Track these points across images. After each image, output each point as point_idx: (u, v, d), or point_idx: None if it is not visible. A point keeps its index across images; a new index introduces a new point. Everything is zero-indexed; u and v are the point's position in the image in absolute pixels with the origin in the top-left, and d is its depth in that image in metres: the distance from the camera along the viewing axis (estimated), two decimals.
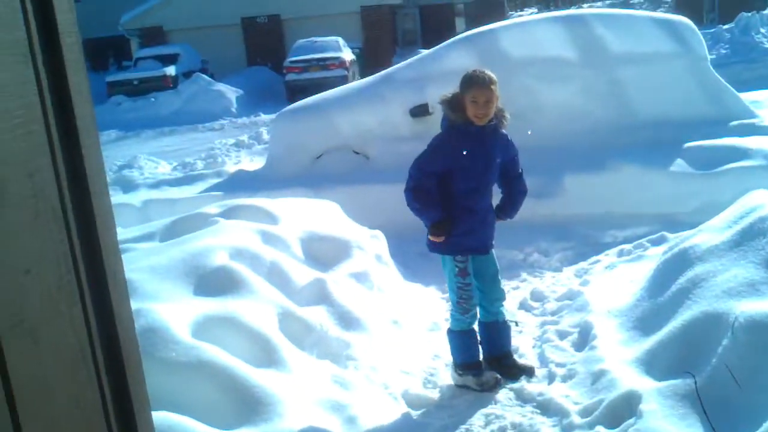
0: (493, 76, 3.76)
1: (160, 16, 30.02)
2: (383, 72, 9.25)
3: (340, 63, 22.96)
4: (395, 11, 32.59)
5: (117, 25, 30.67)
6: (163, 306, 3.67)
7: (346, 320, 4.30)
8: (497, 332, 4.07)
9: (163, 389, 3.16)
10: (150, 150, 14.05)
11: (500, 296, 4.07)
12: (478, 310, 3.99)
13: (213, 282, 4.13)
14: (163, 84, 23.52)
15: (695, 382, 3.13)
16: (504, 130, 3.94)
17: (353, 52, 25.21)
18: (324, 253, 5.15)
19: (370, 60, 26.28)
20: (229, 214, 5.56)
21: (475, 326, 4.02)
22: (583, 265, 5.62)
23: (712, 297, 3.60)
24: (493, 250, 4.06)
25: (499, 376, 3.95)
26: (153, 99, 22.67)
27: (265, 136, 12.58)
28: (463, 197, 3.84)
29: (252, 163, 10.45)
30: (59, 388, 1.05)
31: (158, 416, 2.82)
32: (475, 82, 3.71)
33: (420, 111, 8.26)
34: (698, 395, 3.11)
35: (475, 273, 3.95)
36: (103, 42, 34.05)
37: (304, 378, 3.58)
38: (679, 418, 3.03)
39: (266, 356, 3.61)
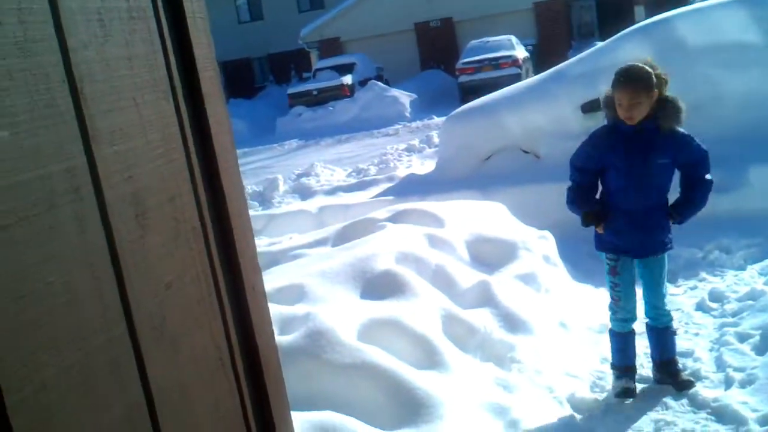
0: (642, 72, 3.49)
1: (336, 27, 31.15)
2: (553, 68, 9.09)
3: (513, 61, 22.76)
4: (570, 4, 31.75)
5: (297, 39, 32.18)
6: (331, 309, 3.84)
7: (511, 322, 4.28)
8: (657, 338, 3.89)
9: (328, 390, 3.32)
10: (327, 158, 14.63)
11: (658, 304, 3.84)
12: (635, 313, 3.85)
13: (378, 286, 4.26)
14: (341, 93, 24.41)
15: None
16: (679, 129, 3.61)
17: (526, 50, 24.91)
18: (489, 255, 5.15)
19: (545, 56, 25.78)
20: (396, 218, 5.70)
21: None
22: None
23: None
24: (665, 255, 3.81)
25: (632, 388, 3.78)
26: (331, 108, 23.59)
27: (436, 140, 12.73)
28: (614, 195, 3.71)
29: (422, 166, 10.61)
30: (199, 395, 1.16)
31: (323, 416, 2.97)
32: (618, 83, 3.52)
33: (592, 106, 8.01)
34: None
35: (640, 275, 3.81)
36: (285, 56, 35.86)
37: (466, 380, 3.61)
38: None
39: (429, 358, 3.67)
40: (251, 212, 9.96)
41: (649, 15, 14.38)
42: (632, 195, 3.65)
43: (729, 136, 7.20)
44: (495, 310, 4.36)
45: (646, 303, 3.86)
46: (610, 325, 3.93)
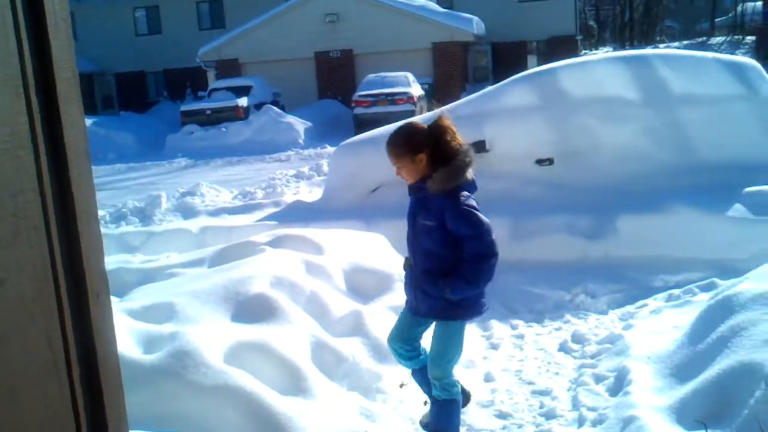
0: (399, 138, 3.41)
1: (235, 48, 30.92)
2: (443, 107, 9.34)
3: (408, 98, 23.26)
4: (468, 48, 32.80)
5: (195, 57, 31.71)
6: (199, 330, 3.78)
7: (380, 353, 4.33)
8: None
9: (190, 411, 3.26)
10: (215, 178, 14.42)
11: (429, 368, 3.59)
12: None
13: (250, 309, 4.23)
14: (235, 114, 24.19)
15: None
16: (455, 193, 3.29)
17: (422, 88, 25.51)
18: (366, 285, 5.21)
19: (439, 96, 26.45)
20: (276, 243, 5.68)
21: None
22: (629, 308, 5.53)
23: (751, 347, 3.51)
24: (442, 324, 3.53)
25: None
26: (224, 129, 23.32)
27: (326, 168, 12.79)
28: None
29: (310, 194, 10.62)
30: (28, 398, 1.12)
31: None
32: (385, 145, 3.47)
33: (477, 147, 8.29)
34: None
35: None
36: (181, 73, 35.23)
37: (330, 408, 3.63)
38: None
39: (295, 384, 3.67)
40: (131, 228, 9.69)
41: (540, 64, 15.07)
42: (410, 250, 3.58)
43: (603, 185, 7.61)
44: (365, 340, 4.40)
45: None
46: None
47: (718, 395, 3.37)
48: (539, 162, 7.94)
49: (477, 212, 3.31)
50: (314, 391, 3.67)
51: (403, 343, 3.74)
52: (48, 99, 1.21)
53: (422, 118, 9.69)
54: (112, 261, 6.63)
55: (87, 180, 1.30)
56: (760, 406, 3.03)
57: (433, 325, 3.61)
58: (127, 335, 3.73)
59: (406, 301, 3.74)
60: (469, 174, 3.37)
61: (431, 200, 3.34)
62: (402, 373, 4.17)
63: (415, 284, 3.53)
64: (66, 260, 1.24)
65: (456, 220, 3.29)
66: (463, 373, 4.59)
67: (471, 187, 3.39)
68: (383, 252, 5.95)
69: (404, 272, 3.71)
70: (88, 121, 19.43)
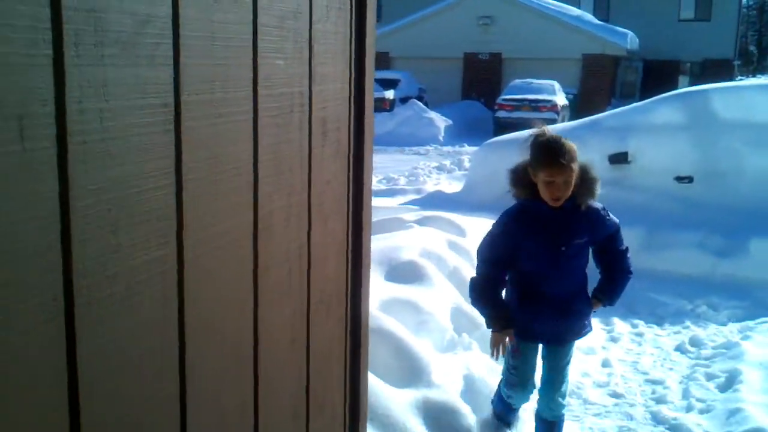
0: (572, 148, 3.04)
1: (388, 42, 31.85)
2: (590, 117, 9.68)
3: (552, 106, 23.37)
4: (618, 62, 32.39)
5: None
6: None
7: None
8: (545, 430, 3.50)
9: None
10: None
11: (554, 394, 3.39)
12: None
13: (401, 272, 4.86)
14: (381, 106, 25.02)
15: None
16: (594, 205, 3.21)
17: (567, 98, 25.51)
18: None
19: (583, 107, 26.37)
20: (423, 222, 6.30)
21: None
22: (749, 323, 5.76)
23: None
24: (570, 348, 3.41)
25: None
26: None
27: (467, 164, 13.34)
28: (531, 280, 3.27)
29: (450, 186, 11.20)
30: (336, 350, 1.77)
31: None
32: (550, 161, 3.01)
33: (619, 158, 8.61)
34: None
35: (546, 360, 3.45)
36: None
37: (464, 360, 4.18)
38: None
39: (437, 338, 4.25)
40: None
41: (692, 85, 14.96)
42: (553, 279, 3.24)
43: (741, 207, 7.77)
44: None
45: (542, 390, 3.45)
46: (491, 406, 3.73)
47: None
48: (679, 179, 8.17)
49: None
50: (455, 346, 4.24)
51: (532, 384, 3.45)
52: (359, 67, 1.83)
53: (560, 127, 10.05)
54: None
55: (370, 119, 1.92)
56: None
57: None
58: None
59: (527, 337, 3.35)
60: None
61: (577, 216, 3.16)
62: None
63: (563, 311, 3.26)
64: (354, 173, 1.86)
65: (614, 232, 3.32)
66: (582, 358, 5.05)
67: None
68: None
69: (525, 317, 3.30)
70: None
